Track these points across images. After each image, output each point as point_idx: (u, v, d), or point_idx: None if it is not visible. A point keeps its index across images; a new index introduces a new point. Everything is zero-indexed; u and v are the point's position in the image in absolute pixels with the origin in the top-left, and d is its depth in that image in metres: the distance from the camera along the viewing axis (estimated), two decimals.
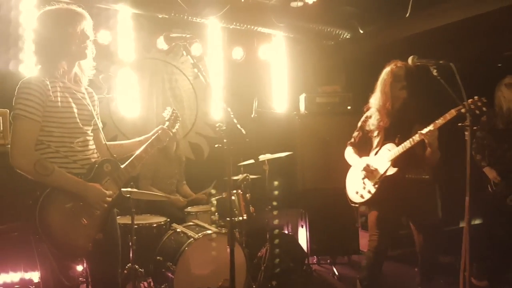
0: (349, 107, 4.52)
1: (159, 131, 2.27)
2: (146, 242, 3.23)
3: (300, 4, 4.02)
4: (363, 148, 3.14)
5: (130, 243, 2.97)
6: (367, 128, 3.03)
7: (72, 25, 1.90)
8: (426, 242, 2.83)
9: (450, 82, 2.40)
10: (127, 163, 2.09)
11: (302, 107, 4.59)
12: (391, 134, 2.86)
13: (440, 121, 2.58)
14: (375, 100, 2.97)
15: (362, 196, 2.92)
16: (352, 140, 3.15)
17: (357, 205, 3.04)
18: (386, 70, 2.92)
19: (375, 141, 2.96)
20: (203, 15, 3.89)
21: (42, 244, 1.77)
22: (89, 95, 2.09)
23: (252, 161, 3.71)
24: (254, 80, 4.89)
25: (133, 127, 4.49)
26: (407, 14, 4.12)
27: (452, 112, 2.50)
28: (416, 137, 2.65)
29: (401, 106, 2.88)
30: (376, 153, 2.93)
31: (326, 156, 4.32)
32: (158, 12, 3.90)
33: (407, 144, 2.71)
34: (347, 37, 4.81)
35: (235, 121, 1.98)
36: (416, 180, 2.85)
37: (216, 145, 1.85)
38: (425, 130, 2.59)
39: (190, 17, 3.87)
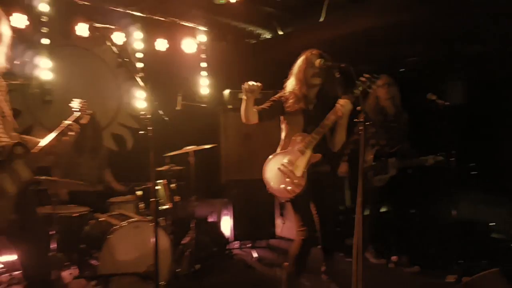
0: None
1: (68, 126, 2.29)
2: (69, 232, 3.20)
3: (222, 1, 4.18)
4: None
5: (53, 232, 2.92)
6: (287, 107, 2.95)
7: None
8: (325, 222, 3.01)
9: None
10: (37, 147, 2.13)
11: (226, 102, 4.79)
12: (308, 120, 2.90)
13: (348, 96, 2.76)
14: (290, 84, 3.02)
15: (292, 191, 2.83)
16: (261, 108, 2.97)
17: (288, 201, 2.93)
18: (302, 57, 2.97)
19: (291, 124, 2.94)
20: (125, 5, 3.87)
21: None
22: None
23: (177, 152, 3.82)
24: (179, 73, 4.96)
25: (51, 116, 4.31)
26: (321, 19, 4.54)
27: (357, 92, 2.75)
28: (332, 117, 2.78)
29: (317, 94, 2.95)
30: (290, 145, 2.92)
31: (247, 149, 4.60)
32: None
33: (320, 129, 2.81)
34: (268, 36, 5.12)
35: (160, 111, 2.08)
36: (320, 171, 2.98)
37: (141, 132, 1.95)
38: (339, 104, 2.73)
39: (111, 6, 3.83)
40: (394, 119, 3.91)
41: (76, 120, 2.35)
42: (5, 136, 2.06)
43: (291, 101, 2.93)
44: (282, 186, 2.84)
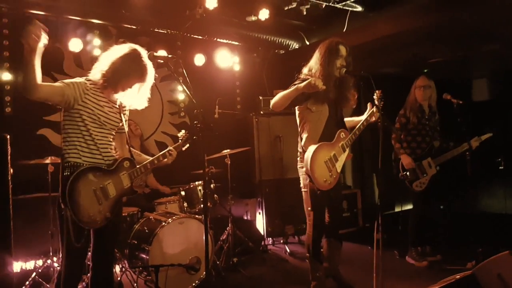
0: None
1: (169, 151, 2.76)
2: (121, 230, 3.61)
3: (254, 18, 4.58)
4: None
5: None
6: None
7: None
8: (332, 218, 3.18)
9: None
10: (142, 164, 2.58)
11: (259, 108, 5.18)
12: (332, 111, 3.01)
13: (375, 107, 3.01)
14: (312, 70, 3.01)
15: (328, 186, 2.91)
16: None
17: (318, 191, 2.95)
18: (329, 45, 2.97)
19: (318, 112, 2.97)
20: (168, 27, 4.35)
21: (66, 210, 2.22)
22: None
23: (216, 155, 4.23)
24: (215, 84, 5.40)
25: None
26: (344, 29, 4.83)
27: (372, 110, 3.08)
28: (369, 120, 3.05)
29: (339, 80, 2.99)
30: (332, 138, 2.97)
31: (278, 151, 4.98)
32: (125, 22, 4.32)
33: (357, 132, 3.02)
34: (296, 47, 5.48)
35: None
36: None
37: (194, 137, 2.31)
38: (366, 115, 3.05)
39: (156, 29, 4.33)
40: (427, 119, 4.03)
41: (178, 147, 2.84)
42: (118, 151, 2.52)
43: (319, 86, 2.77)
44: (324, 179, 2.86)
